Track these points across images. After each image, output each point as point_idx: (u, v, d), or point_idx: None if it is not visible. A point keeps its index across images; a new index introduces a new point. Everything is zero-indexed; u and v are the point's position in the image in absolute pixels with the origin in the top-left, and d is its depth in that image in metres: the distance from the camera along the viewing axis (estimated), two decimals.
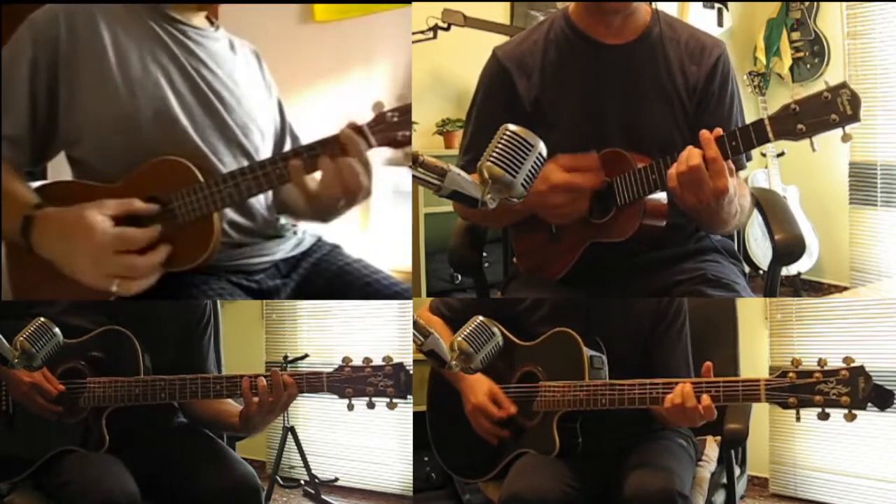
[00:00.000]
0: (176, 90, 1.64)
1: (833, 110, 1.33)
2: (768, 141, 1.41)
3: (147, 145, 1.58)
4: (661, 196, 1.57)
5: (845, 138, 1.36)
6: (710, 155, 1.41)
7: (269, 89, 1.89)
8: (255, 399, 1.57)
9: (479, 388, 1.68)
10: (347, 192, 1.52)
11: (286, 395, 1.57)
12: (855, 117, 1.33)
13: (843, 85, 1.33)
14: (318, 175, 1.54)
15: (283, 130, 1.90)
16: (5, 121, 1.57)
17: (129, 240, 1.49)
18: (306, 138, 1.90)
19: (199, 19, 1.74)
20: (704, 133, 1.43)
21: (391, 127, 1.52)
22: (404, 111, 1.53)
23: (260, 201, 1.76)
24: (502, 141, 1.06)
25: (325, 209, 1.60)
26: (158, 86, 1.62)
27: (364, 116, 1.53)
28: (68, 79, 1.59)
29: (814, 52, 4.02)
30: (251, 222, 1.74)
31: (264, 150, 1.78)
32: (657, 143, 1.60)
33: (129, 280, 1.49)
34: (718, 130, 1.43)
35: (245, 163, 1.70)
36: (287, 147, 1.88)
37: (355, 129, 1.51)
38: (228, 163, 1.67)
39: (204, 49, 1.71)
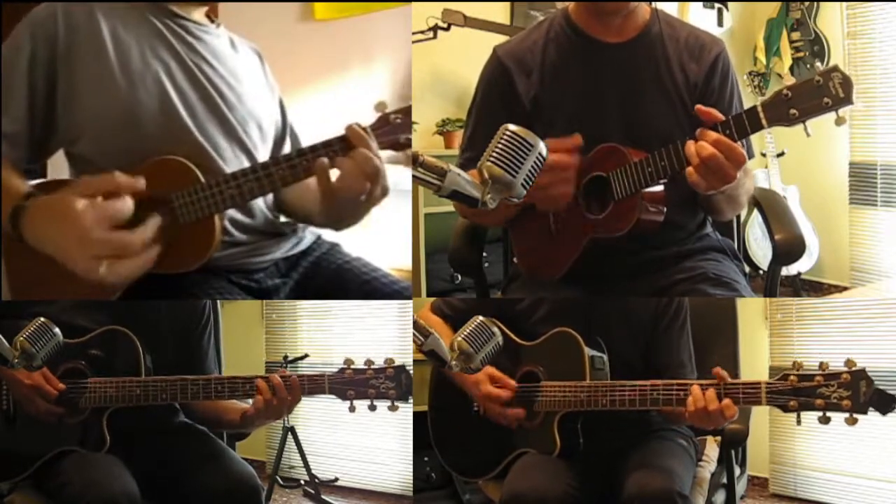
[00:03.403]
0: (176, 85, 1.64)
1: (825, 94, 1.33)
2: (762, 127, 1.41)
3: (147, 141, 1.58)
4: (659, 190, 1.58)
5: (839, 121, 1.36)
6: (714, 138, 1.41)
7: (272, 89, 1.89)
8: (274, 401, 1.58)
9: (478, 376, 1.68)
10: (368, 183, 1.47)
11: (292, 398, 1.58)
12: (847, 100, 1.32)
13: (835, 68, 1.33)
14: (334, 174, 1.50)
15: (284, 131, 1.89)
16: (3, 117, 1.57)
17: (112, 211, 1.39)
18: (306, 136, 1.91)
19: (199, 15, 1.74)
20: (700, 130, 1.44)
21: (395, 129, 1.51)
22: (406, 113, 1.52)
23: (261, 198, 1.75)
24: (502, 141, 1.06)
25: (343, 207, 1.54)
26: (159, 81, 1.62)
27: (365, 116, 1.53)
28: (67, 75, 1.59)
29: (814, 52, 4.02)
30: (252, 220, 1.73)
31: (263, 148, 1.78)
32: (657, 142, 1.60)
33: (119, 260, 1.37)
34: (716, 116, 1.43)
35: (244, 159, 1.69)
36: (287, 148, 1.88)
37: (361, 129, 1.50)
38: (228, 158, 1.67)
39: (204, 45, 1.71)
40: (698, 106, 1.46)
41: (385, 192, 1.52)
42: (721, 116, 1.44)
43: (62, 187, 1.52)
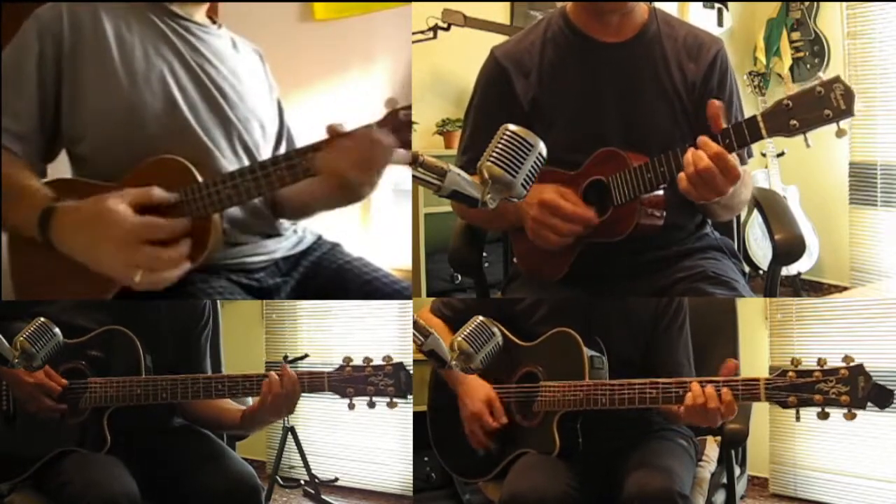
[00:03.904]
0: (180, 85, 1.64)
1: (826, 105, 1.32)
2: (762, 137, 1.40)
3: (150, 140, 1.58)
4: (659, 194, 1.57)
5: (839, 133, 1.35)
6: (714, 152, 1.41)
7: (271, 90, 1.89)
8: (270, 399, 1.58)
9: (477, 394, 1.68)
10: (360, 163, 1.48)
11: (292, 393, 1.58)
12: (848, 111, 1.31)
13: (837, 79, 1.32)
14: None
15: (281, 133, 1.89)
16: (14, 117, 1.57)
17: (155, 228, 1.45)
18: (305, 137, 1.90)
19: (200, 16, 1.74)
20: (701, 138, 1.43)
21: (403, 126, 1.51)
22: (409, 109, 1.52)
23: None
24: (502, 141, 1.06)
25: (336, 191, 1.55)
26: (162, 80, 1.62)
27: (365, 116, 1.52)
28: (72, 74, 1.59)
29: (814, 52, 4.02)
30: (253, 219, 1.73)
31: (265, 147, 1.78)
32: (657, 142, 1.60)
33: (154, 272, 1.43)
34: (719, 123, 1.43)
35: (246, 158, 1.70)
36: (282, 151, 1.87)
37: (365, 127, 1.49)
38: (230, 158, 1.67)
39: (206, 45, 1.72)
40: (713, 101, 1.45)
41: (385, 161, 1.50)
42: (723, 125, 1.43)
43: (70, 191, 1.53)
